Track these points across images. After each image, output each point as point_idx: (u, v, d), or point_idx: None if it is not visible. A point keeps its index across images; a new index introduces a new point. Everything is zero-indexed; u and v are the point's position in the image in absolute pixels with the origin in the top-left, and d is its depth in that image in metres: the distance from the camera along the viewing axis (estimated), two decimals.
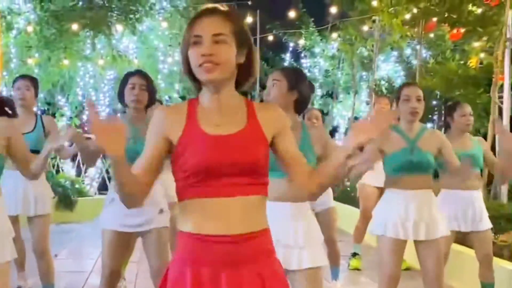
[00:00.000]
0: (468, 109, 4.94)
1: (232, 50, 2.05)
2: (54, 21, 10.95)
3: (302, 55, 16.24)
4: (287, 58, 16.72)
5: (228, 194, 2.00)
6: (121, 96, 4.27)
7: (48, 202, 4.97)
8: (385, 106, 6.28)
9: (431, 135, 4.20)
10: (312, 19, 15.65)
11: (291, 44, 16.34)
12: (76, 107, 12.72)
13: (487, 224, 4.90)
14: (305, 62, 16.21)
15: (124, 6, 11.00)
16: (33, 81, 5.10)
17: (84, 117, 12.63)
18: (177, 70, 12.56)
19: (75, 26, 10.53)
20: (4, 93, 9.88)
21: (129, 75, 4.32)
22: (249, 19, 12.86)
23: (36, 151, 4.80)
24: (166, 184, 6.09)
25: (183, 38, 2.11)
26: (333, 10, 13.58)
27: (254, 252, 2.02)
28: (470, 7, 7.90)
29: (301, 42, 15.65)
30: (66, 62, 11.29)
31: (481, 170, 5.19)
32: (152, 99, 4.34)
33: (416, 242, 4.11)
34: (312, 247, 3.15)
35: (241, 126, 2.07)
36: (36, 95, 5.11)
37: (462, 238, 5.48)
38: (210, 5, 2.19)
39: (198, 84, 2.09)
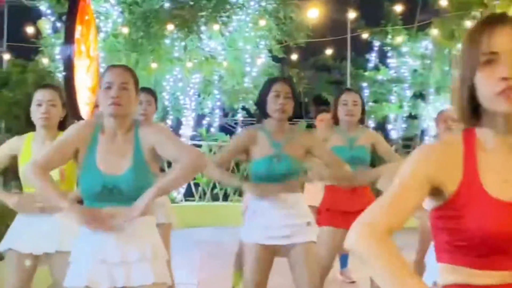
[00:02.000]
0: None
1: None
2: (143, 24, 10.66)
3: (389, 54, 15.48)
4: (372, 58, 15.98)
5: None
6: (262, 105, 3.80)
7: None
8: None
9: None
10: (400, 16, 14.92)
11: (377, 44, 15.61)
12: (162, 112, 12.42)
13: None
14: (392, 62, 15.46)
15: (213, 6, 10.60)
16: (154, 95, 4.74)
17: (169, 121, 12.33)
18: (264, 72, 12.08)
19: (170, 27, 10.16)
20: None
21: (272, 81, 3.86)
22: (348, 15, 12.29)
23: None
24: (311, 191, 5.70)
25: (461, 61, 1.54)
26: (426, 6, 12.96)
27: None
28: None
29: (402, 38, 14.86)
30: (154, 65, 10.97)
31: None
32: (296, 110, 3.87)
33: None
34: None
35: None
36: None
37: None
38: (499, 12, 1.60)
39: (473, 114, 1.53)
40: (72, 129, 2.93)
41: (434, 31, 13.78)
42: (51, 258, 3.64)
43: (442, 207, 1.53)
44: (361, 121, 4.71)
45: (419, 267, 5.61)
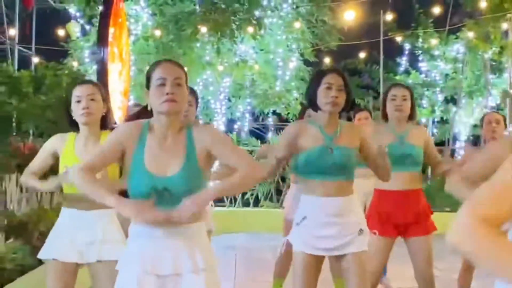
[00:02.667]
0: None
1: None
2: (174, 26, 10.55)
3: (420, 58, 15.22)
4: (403, 62, 15.72)
5: None
6: (313, 97, 3.63)
7: None
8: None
9: None
10: (431, 20, 14.67)
11: (408, 47, 15.36)
12: None
13: None
14: (423, 66, 15.20)
15: (246, 9, 10.46)
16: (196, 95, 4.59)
17: None
18: (296, 76, 11.91)
19: (203, 29, 10.04)
20: (132, 102, 9.48)
21: (323, 73, 3.69)
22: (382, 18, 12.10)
23: None
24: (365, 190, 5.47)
25: None
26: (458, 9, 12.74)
27: None
28: None
29: (419, 44, 14.65)
30: (185, 69, 10.82)
31: None
32: (349, 104, 3.70)
33: None
34: None
35: None
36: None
37: None
38: None
39: None
40: (118, 130, 2.78)
41: (467, 34, 13.51)
42: (93, 267, 3.56)
43: None
44: (411, 116, 4.51)
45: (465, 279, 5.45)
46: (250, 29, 10.57)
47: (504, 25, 11.72)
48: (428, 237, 4.31)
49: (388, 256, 4.35)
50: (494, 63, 13.63)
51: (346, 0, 11.38)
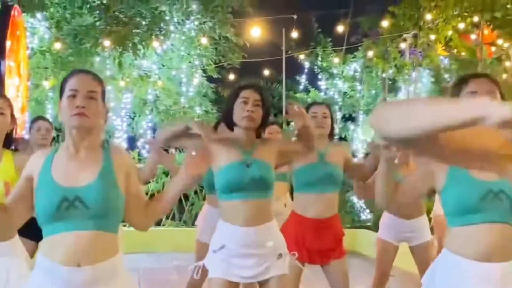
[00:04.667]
0: None
1: None
2: (72, 40, 10.17)
3: (319, 76, 15.54)
4: (302, 80, 15.99)
5: None
6: (229, 112, 3.54)
7: None
8: None
9: None
10: (330, 39, 15.04)
11: (307, 66, 15.65)
12: None
13: None
14: (323, 84, 15.51)
15: (149, 23, 10.25)
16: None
17: None
18: (197, 92, 11.79)
19: (106, 43, 9.73)
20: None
21: (240, 88, 3.60)
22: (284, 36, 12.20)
23: None
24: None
25: None
26: (356, 28, 13.13)
27: None
28: None
29: (337, 60, 14.93)
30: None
31: None
32: (266, 120, 3.62)
33: None
34: None
35: None
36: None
37: None
38: None
39: None
40: (26, 165, 2.57)
41: (364, 53, 13.91)
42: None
43: None
44: (330, 134, 4.50)
45: None
46: (153, 44, 10.35)
47: (402, 45, 12.14)
48: (344, 259, 4.34)
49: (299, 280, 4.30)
50: (390, 82, 14.07)
51: (249, 18, 11.39)
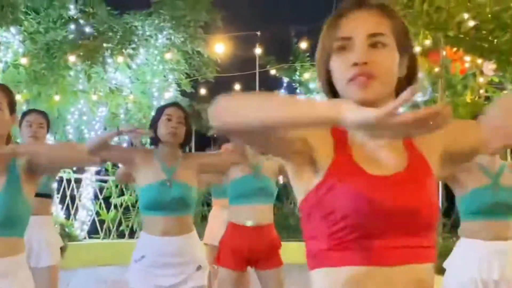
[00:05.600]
0: None
1: (395, 56, 1.45)
2: (45, 54, 10.31)
3: (298, 90, 15.72)
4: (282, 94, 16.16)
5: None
6: (154, 130, 3.68)
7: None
8: None
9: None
10: (308, 53, 15.22)
11: (286, 80, 15.84)
12: None
13: None
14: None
15: (120, 37, 10.40)
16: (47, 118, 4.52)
17: None
18: None
19: (72, 58, 9.88)
20: None
21: (164, 106, 3.77)
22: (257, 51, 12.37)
23: (43, 195, 4.20)
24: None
25: (319, 45, 1.51)
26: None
27: None
28: (501, 36, 7.42)
29: (310, 75, 15.09)
30: (57, 98, 10.59)
31: None
32: (189, 137, 3.77)
33: None
34: None
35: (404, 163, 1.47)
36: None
37: None
38: None
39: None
40: None
41: None
42: None
43: (315, 189, 1.45)
44: None
45: None
46: (121, 59, 10.49)
47: None
48: (279, 269, 4.44)
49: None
50: None
51: (218, 33, 11.57)
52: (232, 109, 1.35)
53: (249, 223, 4.36)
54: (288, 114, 1.28)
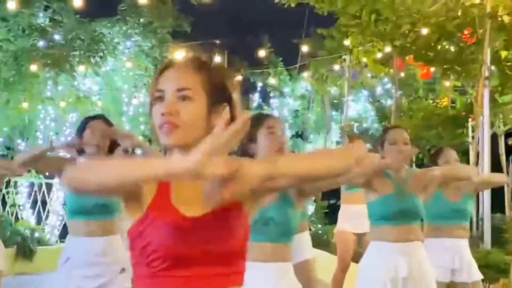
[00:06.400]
0: (451, 154, 4.66)
1: (200, 108, 1.69)
2: (14, 62, 10.46)
3: (271, 95, 15.93)
4: (255, 98, 16.37)
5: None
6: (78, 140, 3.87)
7: None
8: None
9: (417, 176, 3.95)
10: (281, 58, 15.43)
11: (260, 84, 16.04)
12: None
13: (477, 275, 4.61)
14: (274, 102, 15.90)
15: (87, 45, 10.57)
16: None
17: None
18: (143, 112, 12.12)
19: (34, 67, 10.03)
20: None
21: (89, 118, 3.96)
22: (217, 59, 12.52)
23: None
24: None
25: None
26: (304, 49, 13.49)
27: None
28: (447, 45, 7.67)
29: (270, 81, 15.33)
30: (25, 105, 10.73)
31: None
32: (113, 146, 3.96)
33: None
34: None
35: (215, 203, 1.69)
36: None
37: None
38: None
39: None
40: None
41: (308, 74, 14.29)
42: None
43: (137, 223, 1.70)
44: None
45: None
46: (82, 68, 10.65)
47: (336, 66, 12.48)
48: None
49: None
50: (337, 101, 14.44)
51: (191, 39, 11.75)
52: (92, 171, 1.58)
53: None
54: (138, 173, 1.52)
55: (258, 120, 3.03)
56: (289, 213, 2.99)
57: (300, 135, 15.85)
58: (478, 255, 5.75)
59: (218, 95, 1.73)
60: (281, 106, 15.79)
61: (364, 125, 14.82)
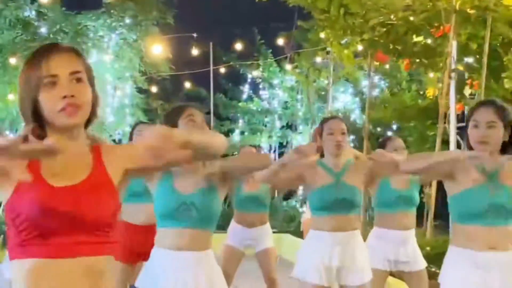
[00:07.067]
0: (398, 143, 4.77)
1: (89, 89, 1.86)
2: None
3: (261, 86, 16.07)
4: (246, 89, 16.52)
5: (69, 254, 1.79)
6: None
7: None
8: None
9: (356, 166, 4.07)
10: (270, 50, 15.54)
11: (250, 76, 16.18)
12: None
13: (421, 264, 4.74)
14: (264, 94, 16.04)
15: (71, 38, 10.72)
16: None
17: None
18: (128, 103, 12.30)
19: (15, 60, 10.20)
20: None
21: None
22: (195, 51, 12.70)
23: None
24: None
25: (24, 83, 1.85)
26: (290, 41, 13.61)
27: None
28: (414, 38, 7.79)
29: (259, 73, 15.48)
30: (11, 96, 10.90)
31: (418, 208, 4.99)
32: None
33: None
34: None
35: (86, 174, 1.86)
36: None
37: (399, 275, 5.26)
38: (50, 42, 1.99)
39: (41, 129, 1.84)
40: None
41: (299, 65, 14.38)
42: None
43: (10, 197, 1.81)
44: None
45: None
46: None
47: (318, 59, 12.57)
48: None
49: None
50: (323, 93, 14.54)
51: (176, 31, 11.89)
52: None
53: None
54: None
55: (179, 109, 3.19)
56: (211, 198, 3.11)
57: (289, 126, 15.98)
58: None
59: (91, 79, 1.89)
60: (271, 98, 15.92)
61: (353, 116, 14.94)
